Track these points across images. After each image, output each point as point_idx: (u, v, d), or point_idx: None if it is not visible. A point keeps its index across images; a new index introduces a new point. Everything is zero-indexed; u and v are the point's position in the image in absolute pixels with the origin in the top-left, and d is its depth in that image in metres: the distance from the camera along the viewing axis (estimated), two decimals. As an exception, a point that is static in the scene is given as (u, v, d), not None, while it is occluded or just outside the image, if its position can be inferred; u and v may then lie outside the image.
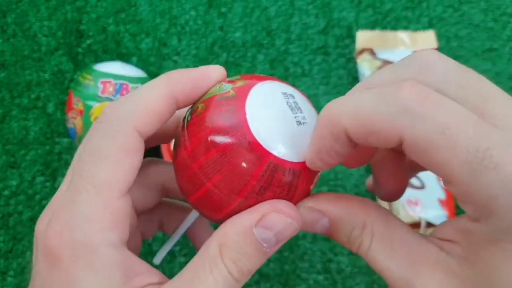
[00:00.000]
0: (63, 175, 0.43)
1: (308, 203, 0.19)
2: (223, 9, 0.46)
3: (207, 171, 0.18)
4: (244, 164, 0.18)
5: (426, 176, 0.40)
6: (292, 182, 0.18)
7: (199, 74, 0.19)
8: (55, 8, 0.46)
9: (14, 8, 0.46)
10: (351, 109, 0.16)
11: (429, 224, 0.39)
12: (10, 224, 0.42)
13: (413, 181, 0.40)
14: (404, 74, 0.16)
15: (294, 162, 0.18)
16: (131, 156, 0.18)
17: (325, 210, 0.19)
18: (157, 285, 0.18)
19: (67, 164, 0.43)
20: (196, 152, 0.18)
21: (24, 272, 0.41)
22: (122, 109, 0.18)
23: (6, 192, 0.42)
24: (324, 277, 0.41)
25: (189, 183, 0.19)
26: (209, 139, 0.18)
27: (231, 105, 0.18)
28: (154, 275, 0.19)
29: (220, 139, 0.18)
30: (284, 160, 0.18)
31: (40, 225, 0.18)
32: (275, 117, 0.19)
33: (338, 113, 0.16)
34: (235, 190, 0.18)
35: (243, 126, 0.18)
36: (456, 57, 0.45)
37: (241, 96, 0.18)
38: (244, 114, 0.18)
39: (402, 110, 0.15)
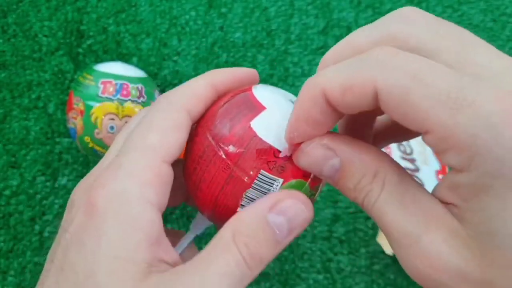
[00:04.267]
0: (64, 175, 0.43)
1: (324, 139, 0.18)
2: (223, 9, 0.46)
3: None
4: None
5: (419, 157, 0.41)
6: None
7: (235, 70, 0.22)
8: (56, 9, 0.46)
9: (15, 9, 0.46)
10: (329, 72, 0.16)
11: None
12: (11, 223, 0.42)
13: (408, 165, 0.41)
14: (384, 32, 0.17)
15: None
16: (178, 130, 0.20)
17: (338, 149, 0.18)
18: (170, 265, 0.18)
19: (67, 164, 0.43)
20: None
21: (24, 271, 0.41)
22: (174, 94, 0.21)
23: (7, 192, 0.42)
24: (324, 277, 0.41)
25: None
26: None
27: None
28: (171, 254, 0.19)
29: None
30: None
31: (83, 184, 0.20)
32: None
33: (317, 78, 0.17)
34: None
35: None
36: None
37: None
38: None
39: (374, 63, 0.15)
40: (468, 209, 0.15)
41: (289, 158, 0.19)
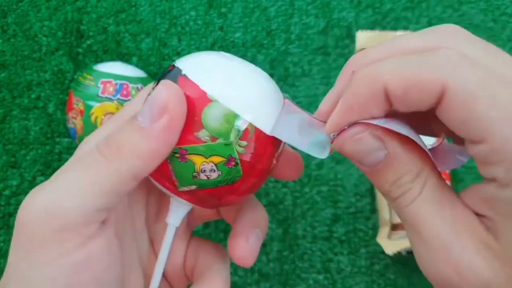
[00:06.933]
0: (64, 175, 0.43)
1: (378, 130, 0.17)
2: (223, 9, 0.46)
3: None
4: None
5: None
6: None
7: None
8: (56, 8, 0.46)
9: (15, 8, 0.46)
10: (394, 65, 0.16)
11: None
12: (11, 224, 0.42)
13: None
14: (435, 41, 0.16)
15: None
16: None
17: (389, 142, 0.17)
18: None
19: (67, 164, 0.43)
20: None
21: (24, 271, 0.41)
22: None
23: (7, 192, 0.42)
24: (324, 277, 0.41)
25: None
26: None
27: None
28: None
29: None
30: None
31: None
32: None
33: (379, 69, 0.16)
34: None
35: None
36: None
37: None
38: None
39: (446, 61, 0.15)
40: (505, 224, 0.15)
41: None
